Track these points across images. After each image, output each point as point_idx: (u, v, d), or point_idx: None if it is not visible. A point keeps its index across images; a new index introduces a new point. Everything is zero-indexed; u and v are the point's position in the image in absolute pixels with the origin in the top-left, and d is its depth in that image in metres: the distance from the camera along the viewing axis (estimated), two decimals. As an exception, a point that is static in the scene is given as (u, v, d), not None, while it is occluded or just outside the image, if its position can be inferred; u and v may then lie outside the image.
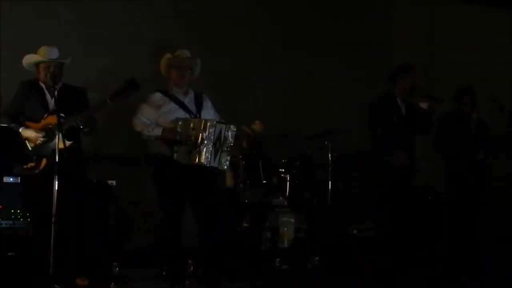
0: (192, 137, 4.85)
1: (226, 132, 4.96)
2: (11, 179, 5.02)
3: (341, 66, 7.19)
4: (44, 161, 4.63)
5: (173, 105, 5.06)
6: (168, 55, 5.13)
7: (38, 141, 4.64)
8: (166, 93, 5.12)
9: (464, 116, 6.02)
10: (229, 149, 5.00)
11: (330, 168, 5.85)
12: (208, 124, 4.87)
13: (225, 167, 5.05)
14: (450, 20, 7.67)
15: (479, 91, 6.14)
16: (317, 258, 5.41)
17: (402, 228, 5.14)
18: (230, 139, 4.99)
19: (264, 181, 5.69)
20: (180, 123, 4.92)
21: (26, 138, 4.58)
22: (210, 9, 6.66)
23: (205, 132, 4.85)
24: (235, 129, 5.05)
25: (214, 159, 4.92)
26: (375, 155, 5.33)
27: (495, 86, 7.07)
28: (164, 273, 4.90)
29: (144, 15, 6.41)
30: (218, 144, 4.92)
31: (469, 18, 7.65)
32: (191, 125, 4.89)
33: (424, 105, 5.35)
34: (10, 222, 4.98)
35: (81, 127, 4.66)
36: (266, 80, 6.89)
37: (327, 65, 7.14)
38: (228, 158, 5.05)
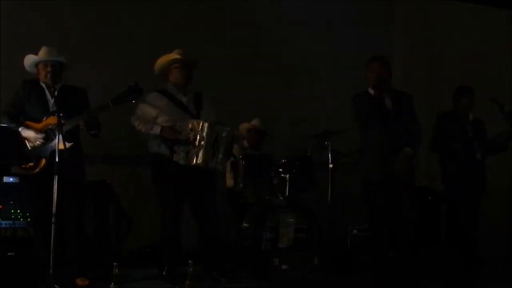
0: (191, 138, 4.86)
1: (222, 134, 4.97)
2: (11, 179, 5.03)
3: (341, 66, 7.19)
4: (43, 161, 4.64)
5: (172, 105, 5.06)
6: (173, 55, 5.13)
7: (37, 142, 4.64)
8: (165, 92, 5.12)
9: (461, 116, 6.01)
10: (225, 150, 5.01)
11: (330, 168, 5.84)
12: (206, 125, 4.88)
13: (221, 167, 5.06)
14: (450, 19, 7.67)
15: (479, 91, 6.14)
16: (317, 258, 5.41)
17: (400, 227, 5.11)
18: (227, 140, 5.00)
19: (264, 181, 5.69)
20: (178, 123, 4.93)
21: (26, 138, 4.58)
22: (207, 10, 6.67)
23: (203, 133, 4.86)
24: (230, 129, 5.07)
25: (212, 160, 4.93)
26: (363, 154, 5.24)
27: (495, 86, 7.07)
28: (164, 273, 4.90)
29: (143, 15, 6.42)
30: (215, 145, 4.93)
31: (470, 17, 7.65)
32: (190, 125, 4.90)
33: None
34: (10, 222, 4.98)
35: (88, 129, 4.68)
36: (265, 79, 6.90)
37: (327, 64, 7.14)
38: (225, 159, 5.07)
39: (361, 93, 5.14)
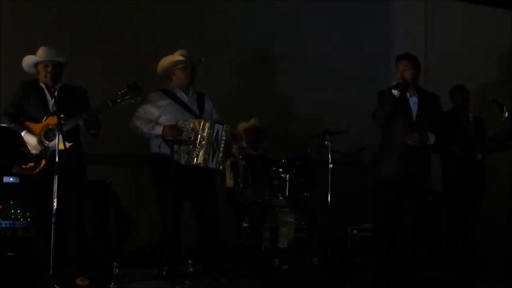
0: (191, 137, 4.87)
1: (222, 132, 4.98)
2: (11, 179, 5.03)
3: (341, 66, 7.19)
4: (43, 162, 4.64)
5: (174, 105, 5.07)
6: (176, 56, 5.13)
7: (34, 151, 4.62)
8: (168, 92, 5.12)
9: (461, 116, 6.01)
10: (224, 149, 5.01)
11: (330, 168, 5.85)
12: (207, 125, 4.89)
13: (221, 167, 5.07)
14: (450, 19, 7.67)
15: (479, 91, 6.14)
16: (317, 258, 5.41)
17: (403, 228, 5.12)
18: (226, 139, 5.01)
19: (264, 181, 5.69)
20: (179, 123, 4.93)
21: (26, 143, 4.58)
22: (207, 10, 6.67)
23: (204, 133, 4.87)
24: (229, 128, 5.07)
25: (212, 160, 4.93)
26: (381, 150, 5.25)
27: (495, 86, 7.07)
28: (164, 273, 4.91)
29: (144, 16, 6.42)
30: (215, 144, 4.93)
31: (470, 16, 7.64)
32: (191, 125, 4.91)
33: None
34: (10, 222, 4.98)
35: (89, 129, 4.68)
36: (265, 79, 6.90)
37: (326, 64, 7.14)
38: (225, 158, 5.08)
39: (385, 90, 5.10)
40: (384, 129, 5.16)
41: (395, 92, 4.96)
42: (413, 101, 5.11)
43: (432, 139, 5.05)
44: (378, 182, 5.14)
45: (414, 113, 5.08)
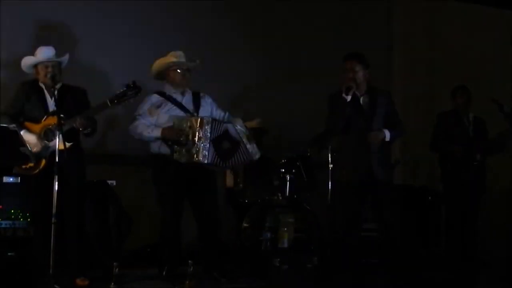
0: (190, 135, 4.86)
1: (235, 129, 5.00)
2: (11, 179, 5.03)
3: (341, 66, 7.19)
4: (43, 162, 4.64)
5: (170, 106, 5.07)
6: (169, 58, 5.13)
7: (35, 149, 4.63)
8: (163, 94, 5.12)
9: (461, 116, 6.01)
10: (249, 140, 5.04)
11: (330, 168, 5.84)
12: (204, 121, 4.87)
13: (257, 156, 5.10)
14: (450, 19, 7.67)
15: (479, 91, 6.14)
16: (317, 258, 5.41)
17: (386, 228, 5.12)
18: (245, 132, 5.04)
19: (264, 181, 5.69)
20: (175, 122, 4.92)
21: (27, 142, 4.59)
22: (207, 10, 6.67)
23: (201, 130, 4.85)
24: (242, 127, 5.08)
25: (213, 156, 4.92)
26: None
27: (495, 86, 7.06)
28: (164, 273, 4.91)
29: (143, 16, 6.43)
30: (234, 142, 4.95)
31: (470, 17, 7.64)
32: (188, 123, 4.90)
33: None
34: (10, 222, 4.98)
35: (81, 129, 4.66)
36: (265, 79, 6.90)
37: (327, 64, 7.14)
38: (253, 146, 5.09)
39: (336, 94, 5.00)
40: (340, 132, 5.13)
41: (345, 95, 4.91)
42: (365, 100, 5.06)
43: (387, 135, 5.02)
44: (339, 185, 5.11)
45: (368, 112, 5.02)
